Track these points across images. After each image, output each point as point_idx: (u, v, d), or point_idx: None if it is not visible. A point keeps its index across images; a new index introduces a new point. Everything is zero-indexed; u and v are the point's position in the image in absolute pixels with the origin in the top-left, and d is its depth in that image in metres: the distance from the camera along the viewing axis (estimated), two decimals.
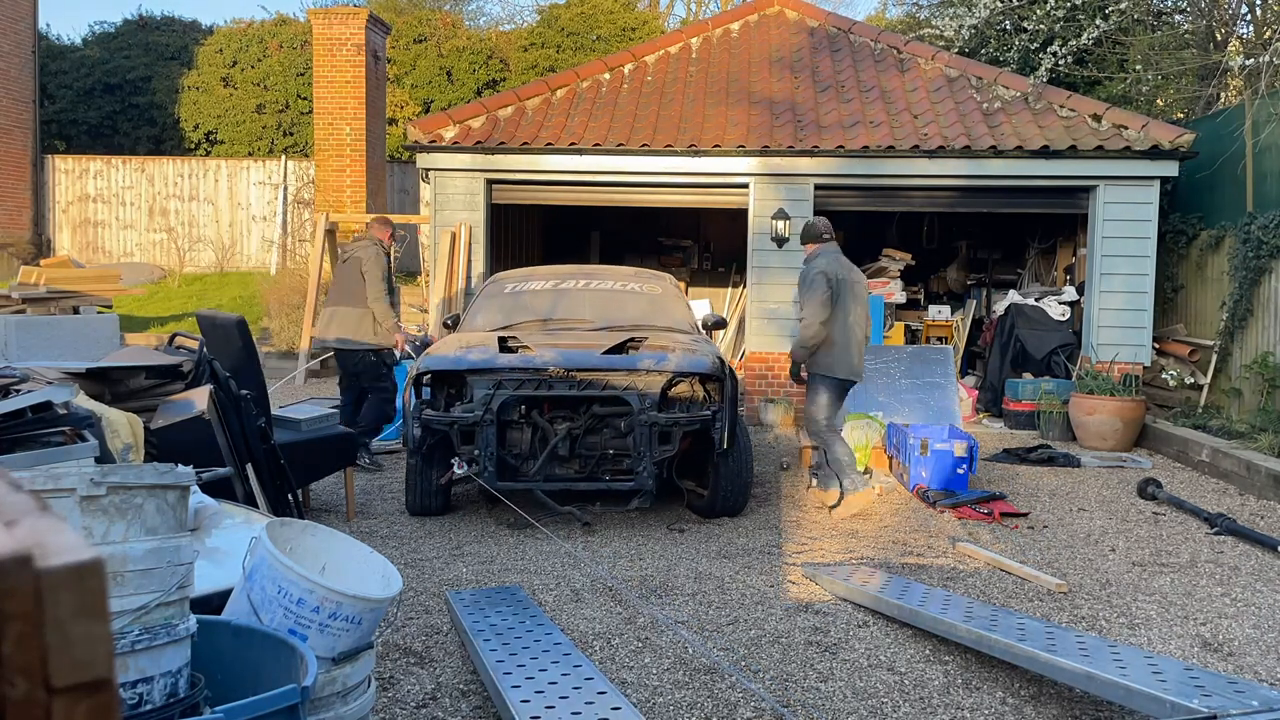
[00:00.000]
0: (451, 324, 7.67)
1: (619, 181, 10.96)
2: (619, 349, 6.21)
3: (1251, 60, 9.50)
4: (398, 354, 7.98)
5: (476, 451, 5.86)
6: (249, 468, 5.00)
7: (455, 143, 10.93)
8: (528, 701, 3.26)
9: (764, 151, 10.53)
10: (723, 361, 6.25)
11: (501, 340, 6.36)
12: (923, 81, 11.75)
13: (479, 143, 10.85)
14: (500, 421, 5.92)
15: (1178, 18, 13.78)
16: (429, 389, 6.27)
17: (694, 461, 6.43)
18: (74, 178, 19.50)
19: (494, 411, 5.81)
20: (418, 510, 6.34)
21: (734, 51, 12.72)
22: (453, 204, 11.06)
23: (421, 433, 5.95)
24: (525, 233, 14.31)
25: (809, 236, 6.71)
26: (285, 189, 18.55)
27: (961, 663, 4.08)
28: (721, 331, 7.70)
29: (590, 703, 3.25)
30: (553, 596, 4.87)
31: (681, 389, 6.20)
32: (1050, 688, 3.83)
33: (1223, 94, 13.23)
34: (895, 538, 6.06)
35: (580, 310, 7.25)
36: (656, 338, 6.48)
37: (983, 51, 13.88)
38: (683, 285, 12.64)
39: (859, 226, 14.85)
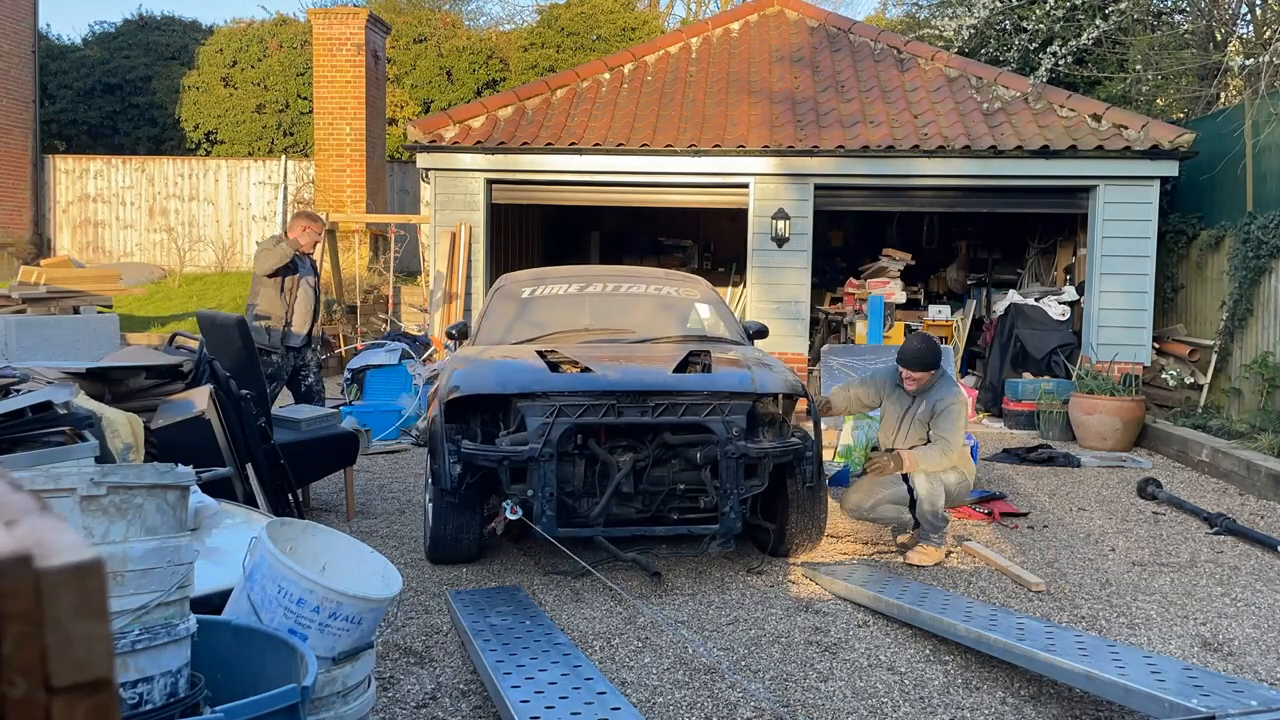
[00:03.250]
0: (459, 334, 6.69)
1: (619, 181, 10.96)
2: (683, 366, 5.37)
3: (1251, 60, 9.50)
4: (275, 360, 7.44)
5: (530, 491, 4.85)
6: (249, 468, 5.00)
7: (455, 143, 10.93)
8: (527, 702, 3.26)
9: (764, 151, 10.53)
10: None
11: (541, 356, 5.43)
12: (923, 81, 11.75)
13: (479, 143, 10.85)
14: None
15: (1178, 18, 13.78)
16: (449, 412, 5.21)
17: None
18: (74, 178, 19.50)
19: (554, 444, 4.81)
20: (444, 559, 5.31)
21: (734, 51, 12.72)
22: (453, 204, 11.06)
23: (462, 470, 4.93)
24: (525, 233, 14.31)
25: (935, 363, 5.65)
26: (285, 189, 18.55)
27: (961, 663, 4.08)
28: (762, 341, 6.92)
29: (590, 703, 3.25)
30: (553, 596, 4.87)
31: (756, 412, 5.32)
32: (1050, 687, 3.83)
33: (1223, 94, 13.23)
34: (895, 538, 6.06)
35: (616, 318, 6.39)
36: (720, 351, 5.69)
37: (983, 51, 13.88)
38: None
39: (859, 226, 14.87)
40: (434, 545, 5.27)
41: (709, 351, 5.56)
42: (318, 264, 8.19)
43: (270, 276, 7.47)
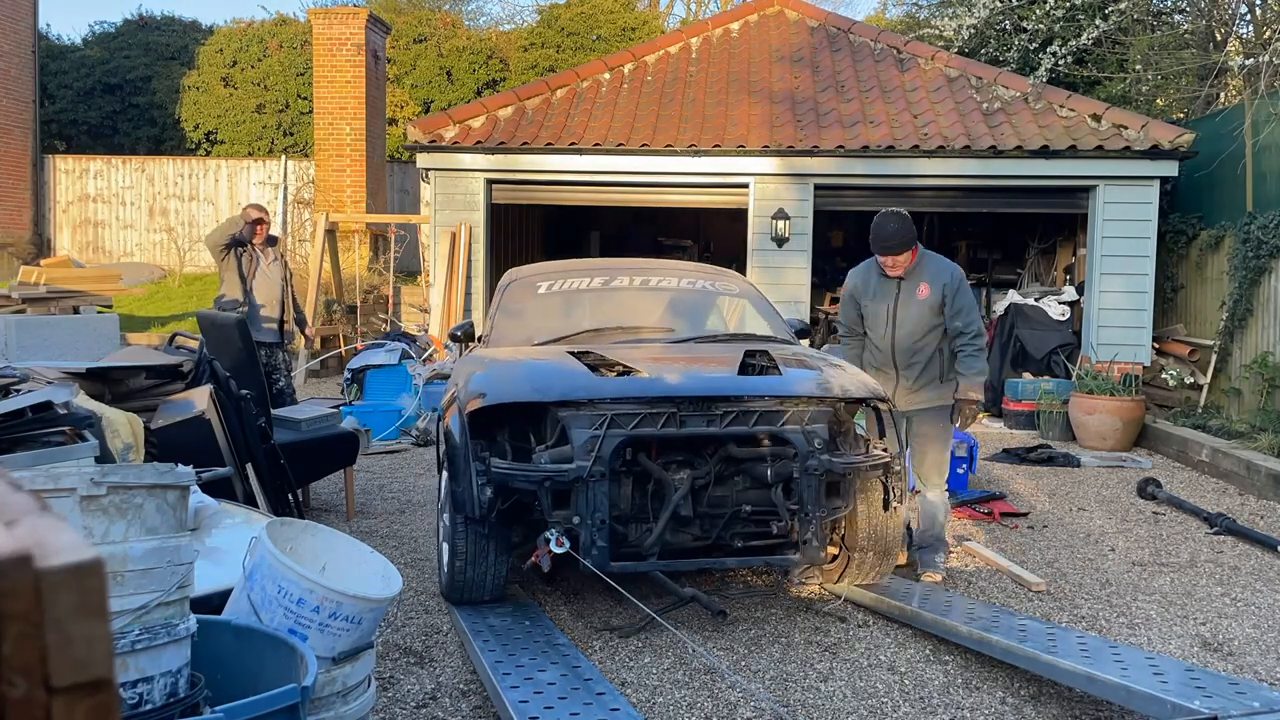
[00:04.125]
0: (465, 336, 5.98)
1: (619, 181, 10.97)
2: (742, 369, 4.69)
3: (1251, 60, 9.50)
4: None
5: (577, 518, 4.12)
6: (249, 468, 5.00)
7: (455, 143, 10.93)
8: (526, 702, 3.26)
9: (764, 151, 10.53)
10: None
11: (575, 357, 4.71)
12: (923, 81, 11.75)
13: (479, 143, 10.85)
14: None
15: (1177, 18, 13.79)
16: (469, 424, 4.38)
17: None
18: (74, 178, 19.51)
19: (605, 461, 4.10)
20: (468, 599, 4.50)
21: (734, 51, 12.72)
22: (453, 204, 11.06)
23: (493, 494, 4.17)
24: (525, 233, 14.31)
25: (913, 239, 5.08)
26: (285, 189, 18.55)
27: (961, 663, 4.08)
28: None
29: (589, 703, 3.25)
30: (552, 597, 4.87)
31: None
32: (1050, 688, 3.83)
33: (1222, 94, 13.23)
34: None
35: (649, 315, 5.69)
36: (777, 351, 4.96)
37: (982, 51, 13.88)
38: None
39: (859, 226, 14.86)
40: (456, 584, 4.46)
41: (767, 351, 4.87)
42: (283, 258, 8.35)
43: (221, 255, 7.79)
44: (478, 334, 5.98)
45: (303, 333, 8.83)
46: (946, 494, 5.23)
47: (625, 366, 4.56)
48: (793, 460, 4.28)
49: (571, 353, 4.82)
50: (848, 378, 4.61)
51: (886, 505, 4.53)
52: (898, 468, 4.49)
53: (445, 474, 4.66)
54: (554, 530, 4.16)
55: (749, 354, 4.82)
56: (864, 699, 3.73)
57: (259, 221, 7.94)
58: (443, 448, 4.75)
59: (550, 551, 4.16)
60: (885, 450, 4.53)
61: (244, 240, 7.85)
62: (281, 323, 8.08)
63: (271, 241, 8.14)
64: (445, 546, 4.62)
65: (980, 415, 5.00)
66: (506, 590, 4.65)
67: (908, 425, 5.09)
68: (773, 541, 4.37)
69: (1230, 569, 5.48)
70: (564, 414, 4.22)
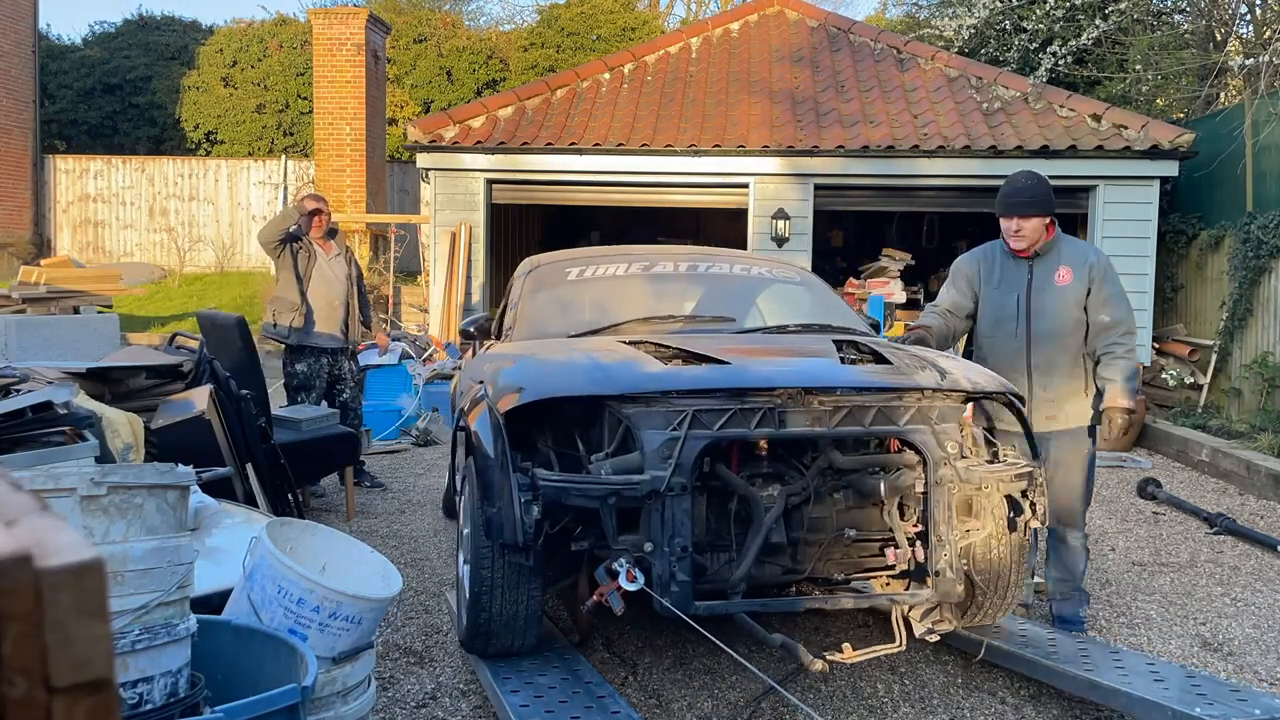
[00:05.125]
0: (480, 332, 5.14)
1: (619, 181, 10.97)
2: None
3: (1251, 60, 9.51)
4: (300, 369, 6.79)
5: (649, 545, 3.25)
6: (249, 468, 5.00)
7: (455, 143, 10.94)
8: (526, 706, 3.25)
9: (764, 151, 10.54)
10: None
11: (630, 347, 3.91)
12: (923, 81, 11.75)
13: (479, 143, 10.86)
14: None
15: (1177, 18, 13.79)
16: (506, 426, 3.48)
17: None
18: (74, 178, 19.51)
19: (687, 470, 3.26)
20: (499, 650, 3.68)
21: (734, 51, 12.72)
22: (453, 204, 11.07)
23: (541, 514, 3.29)
24: (525, 232, 14.32)
25: (1050, 205, 4.30)
26: (285, 189, 18.56)
27: (961, 662, 4.08)
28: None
29: (590, 706, 3.24)
30: (551, 597, 4.87)
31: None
32: (1050, 688, 3.83)
33: (1222, 94, 13.23)
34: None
35: (704, 304, 4.89)
36: (869, 343, 4.10)
37: (982, 51, 13.88)
38: None
39: (859, 226, 14.87)
40: (480, 629, 3.60)
41: (855, 344, 4.04)
42: (349, 255, 7.15)
43: (276, 251, 6.75)
44: (496, 329, 5.18)
45: (365, 334, 7.43)
46: (1087, 537, 4.38)
47: (699, 355, 3.68)
48: (914, 469, 3.49)
49: (625, 343, 4.01)
50: (972, 369, 3.83)
51: (1012, 526, 3.67)
52: (1040, 480, 3.64)
53: (465, 494, 3.80)
54: (624, 560, 3.26)
55: (838, 344, 4.02)
56: (864, 699, 3.73)
57: (316, 213, 6.87)
58: (460, 459, 3.99)
59: (620, 588, 3.25)
60: (1027, 463, 3.68)
61: (299, 234, 6.78)
62: (347, 326, 6.93)
63: (332, 233, 7.04)
64: (465, 583, 3.77)
65: (1126, 429, 3.85)
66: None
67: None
68: (888, 573, 3.57)
69: (1230, 569, 5.48)
70: (630, 411, 3.35)
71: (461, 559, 3.93)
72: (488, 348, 4.88)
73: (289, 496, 5.42)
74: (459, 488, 4.17)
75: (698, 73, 12.30)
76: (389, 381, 9.27)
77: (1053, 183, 11.56)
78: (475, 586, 3.58)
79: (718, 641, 3.36)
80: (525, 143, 10.79)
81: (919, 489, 3.48)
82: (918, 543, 3.50)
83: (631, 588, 3.24)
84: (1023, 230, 4.17)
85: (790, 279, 5.28)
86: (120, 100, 21.71)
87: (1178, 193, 11.25)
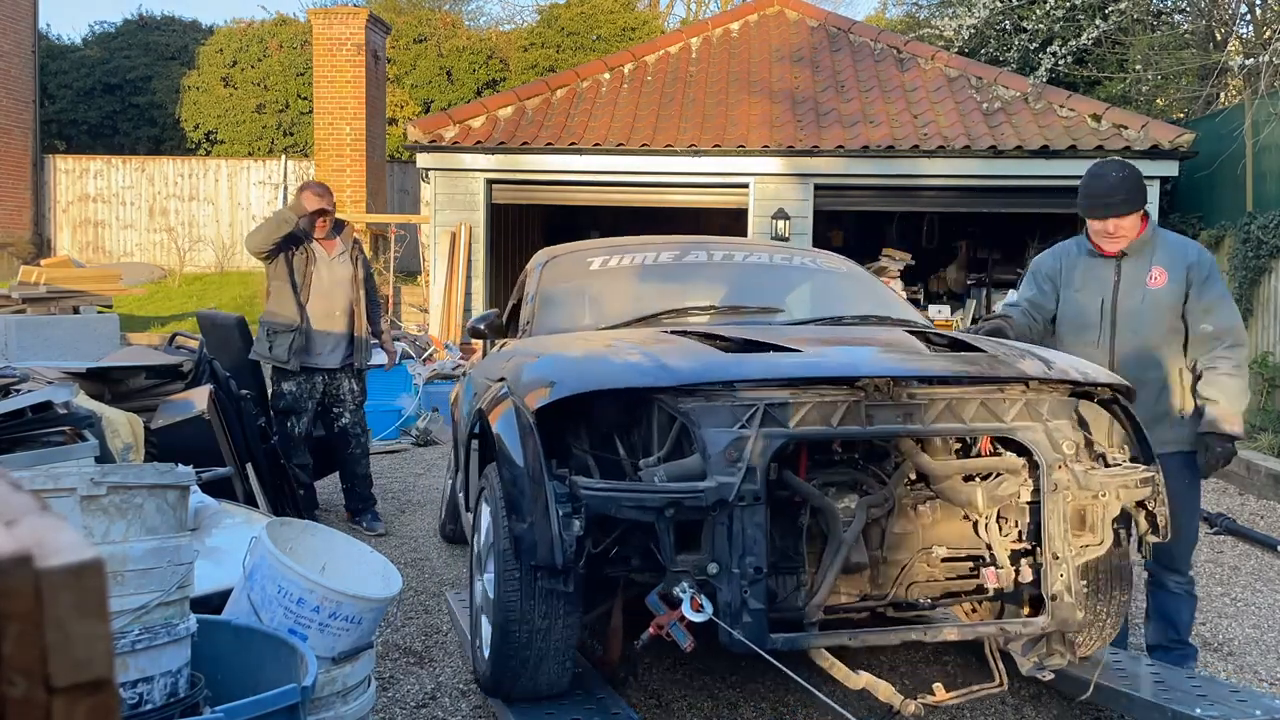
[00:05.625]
0: (492, 329, 4.56)
1: (619, 181, 10.98)
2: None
3: (1251, 60, 9.51)
4: (288, 388, 5.67)
5: (715, 566, 2.75)
6: (249, 468, 5.01)
7: (455, 143, 10.94)
8: (526, 707, 3.24)
9: (764, 151, 10.54)
10: None
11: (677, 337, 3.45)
12: (923, 81, 11.76)
13: (479, 143, 10.86)
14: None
15: (1177, 18, 13.79)
16: (537, 426, 2.99)
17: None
18: (74, 178, 19.51)
19: (759, 475, 2.75)
20: (524, 692, 3.16)
21: (734, 51, 12.72)
22: (453, 204, 11.07)
23: (584, 529, 2.79)
24: (525, 232, 14.32)
25: (1143, 199, 3.60)
26: (285, 189, 18.55)
27: (961, 663, 4.07)
28: None
29: (590, 708, 3.24)
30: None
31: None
32: (1050, 688, 3.83)
33: (1222, 94, 13.24)
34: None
35: (747, 294, 4.29)
36: (948, 335, 3.62)
37: (982, 51, 13.89)
38: None
39: (859, 226, 14.87)
40: (504, 669, 3.10)
41: (925, 334, 3.53)
42: (356, 254, 5.88)
43: (269, 258, 5.57)
44: (509, 326, 4.70)
45: (380, 345, 6.30)
46: (1193, 582, 3.77)
47: (762, 344, 3.15)
48: (1018, 474, 3.02)
49: (670, 333, 3.54)
50: (1074, 359, 3.29)
51: (1119, 540, 3.12)
52: (1163, 488, 3.10)
53: (487, 509, 3.27)
54: (687, 585, 2.75)
55: (923, 335, 3.53)
56: (864, 699, 3.73)
57: (320, 213, 5.59)
58: (473, 467, 3.58)
59: (684, 618, 2.75)
60: (1147, 468, 3.09)
61: (300, 238, 5.57)
62: (351, 339, 5.72)
63: (337, 229, 5.79)
64: (486, 614, 3.28)
65: (1229, 459, 3.48)
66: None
67: None
68: (987, 598, 3.09)
69: (1230, 569, 5.48)
70: (689, 406, 2.81)
71: (479, 586, 3.43)
72: (500, 346, 4.45)
73: (289, 496, 5.42)
74: (470, 504, 3.74)
75: (698, 73, 12.30)
76: (389, 381, 9.27)
77: (1052, 183, 11.52)
78: (502, 617, 3.03)
79: (805, 683, 2.90)
80: (525, 143, 10.80)
81: (1024, 498, 3.02)
82: (1020, 561, 3.04)
83: (698, 618, 2.74)
84: (1120, 230, 3.56)
85: (836, 269, 4.76)
86: (120, 100, 21.71)
87: (1178, 193, 11.25)
